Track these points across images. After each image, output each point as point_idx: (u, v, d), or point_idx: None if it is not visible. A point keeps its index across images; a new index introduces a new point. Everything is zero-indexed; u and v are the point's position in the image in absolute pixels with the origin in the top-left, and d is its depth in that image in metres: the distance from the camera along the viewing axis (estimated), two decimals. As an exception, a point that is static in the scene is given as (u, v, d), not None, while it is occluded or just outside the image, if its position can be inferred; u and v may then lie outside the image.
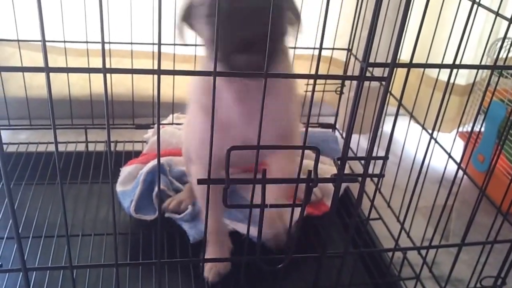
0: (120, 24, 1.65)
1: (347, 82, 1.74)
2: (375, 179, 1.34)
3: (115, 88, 1.71)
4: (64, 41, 1.60)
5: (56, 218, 1.37)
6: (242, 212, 1.36)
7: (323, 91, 1.73)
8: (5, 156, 0.74)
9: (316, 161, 0.83)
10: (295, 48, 1.75)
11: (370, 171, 0.86)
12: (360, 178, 0.88)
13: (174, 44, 1.54)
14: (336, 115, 1.81)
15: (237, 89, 1.04)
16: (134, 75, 1.80)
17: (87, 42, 1.59)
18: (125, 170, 1.48)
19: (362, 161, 0.87)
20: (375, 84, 1.65)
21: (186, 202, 1.38)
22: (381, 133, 1.05)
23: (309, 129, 1.75)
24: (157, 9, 0.66)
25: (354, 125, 0.86)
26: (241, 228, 1.29)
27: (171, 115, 1.74)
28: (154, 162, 1.42)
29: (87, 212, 1.42)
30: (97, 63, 1.74)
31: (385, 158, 0.89)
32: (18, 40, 1.57)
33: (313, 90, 0.81)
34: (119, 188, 1.41)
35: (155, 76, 0.71)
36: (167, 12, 1.56)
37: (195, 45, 1.63)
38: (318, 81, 0.83)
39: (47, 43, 0.65)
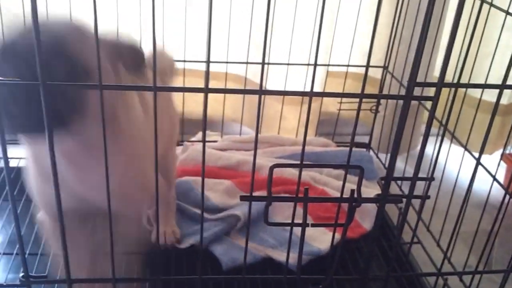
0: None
1: (382, 101, 1.71)
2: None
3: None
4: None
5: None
6: (274, 237, 1.33)
7: (358, 109, 1.70)
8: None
9: (360, 181, 0.81)
10: (328, 65, 1.74)
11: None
12: (404, 199, 0.86)
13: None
14: (371, 134, 1.77)
15: (65, 150, 0.87)
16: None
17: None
18: None
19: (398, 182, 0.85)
20: (412, 102, 1.61)
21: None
22: (422, 154, 1.02)
23: (342, 148, 1.74)
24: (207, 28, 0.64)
25: (389, 145, 0.84)
26: (275, 254, 1.27)
27: (200, 132, 1.71)
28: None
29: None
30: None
31: (430, 179, 0.88)
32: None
33: (359, 109, 0.78)
34: None
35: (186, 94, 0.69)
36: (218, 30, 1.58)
37: (227, 62, 1.65)
38: (352, 99, 0.80)
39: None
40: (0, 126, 0.71)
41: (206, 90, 0.69)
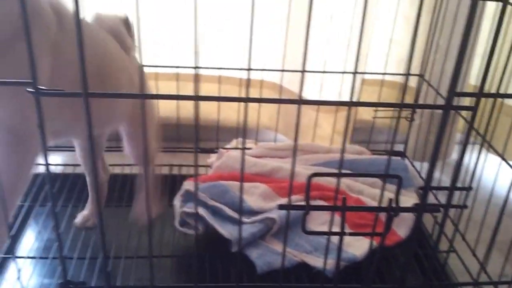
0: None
1: (417, 109, 1.71)
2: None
3: (181, 111, 1.71)
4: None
5: (137, 239, 1.39)
6: (309, 243, 1.33)
7: (397, 117, 1.70)
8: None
9: (398, 190, 0.81)
10: (364, 73, 1.74)
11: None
12: (442, 209, 0.86)
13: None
14: (406, 143, 1.76)
15: None
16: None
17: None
18: (185, 186, 1.46)
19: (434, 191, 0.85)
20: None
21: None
22: (460, 164, 1.02)
23: (377, 156, 1.74)
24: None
25: (424, 153, 0.85)
26: (310, 260, 1.27)
27: (235, 140, 1.73)
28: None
29: (158, 234, 1.43)
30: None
31: (468, 189, 0.89)
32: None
33: (399, 118, 0.79)
34: (175, 201, 1.42)
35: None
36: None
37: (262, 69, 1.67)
38: (386, 108, 0.81)
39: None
40: (41, 134, 0.74)
41: (196, 98, 0.70)
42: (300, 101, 0.74)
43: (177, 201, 1.43)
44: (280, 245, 1.32)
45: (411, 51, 0.79)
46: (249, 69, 0.69)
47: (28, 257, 1.30)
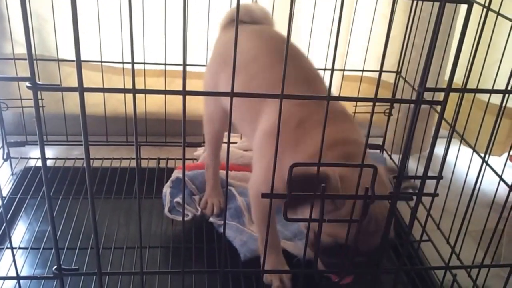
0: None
1: (395, 104, 1.76)
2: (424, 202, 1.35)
3: (169, 107, 1.76)
4: (123, 63, 1.67)
5: (125, 230, 1.44)
6: (289, 231, 1.39)
7: (372, 112, 1.75)
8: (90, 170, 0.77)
9: (373, 179, 0.85)
10: (344, 70, 1.79)
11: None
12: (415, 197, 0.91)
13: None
14: (385, 136, 1.82)
15: None
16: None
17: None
18: (175, 174, 1.55)
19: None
20: (424, 106, 1.67)
21: (219, 202, 1.47)
22: (431, 154, 1.07)
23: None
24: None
25: (402, 147, 0.89)
26: (289, 247, 1.33)
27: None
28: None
29: (148, 226, 1.48)
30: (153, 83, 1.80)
31: (439, 178, 0.92)
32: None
33: (372, 112, 0.84)
34: (164, 189, 1.49)
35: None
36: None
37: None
38: (367, 103, 0.86)
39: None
40: (38, 127, 0.78)
41: (184, 93, 0.74)
42: (282, 96, 0.77)
43: (166, 189, 1.49)
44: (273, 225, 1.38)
45: (385, 48, 0.84)
46: (234, 66, 0.73)
47: (20, 248, 1.34)
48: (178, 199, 1.45)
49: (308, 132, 1.07)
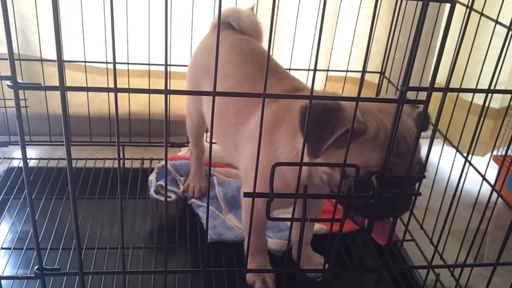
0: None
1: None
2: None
3: (153, 107, 1.75)
4: (106, 63, 1.66)
5: (108, 231, 1.44)
6: (269, 229, 1.40)
7: (355, 112, 1.75)
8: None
9: (355, 178, 0.85)
10: (328, 70, 1.79)
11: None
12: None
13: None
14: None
15: None
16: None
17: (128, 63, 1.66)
18: (160, 163, 1.64)
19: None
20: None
21: (204, 186, 1.54)
22: (413, 153, 1.07)
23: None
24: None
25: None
26: (272, 245, 1.33)
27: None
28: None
29: (129, 225, 1.48)
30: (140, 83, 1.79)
31: (421, 177, 0.91)
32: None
33: (355, 112, 0.84)
34: (150, 177, 1.56)
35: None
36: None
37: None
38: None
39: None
40: (19, 126, 0.77)
41: (166, 92, 0.75)
42: (264, 95, 0.78)
43: (152, 177, 1.55)
44: (235, 220, 1.44)
45: (367, 49, 0.84)
46: (216, 65, 0.73)
47: (3, 248, 1.34)
48: (161, 182, 1.51)
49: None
